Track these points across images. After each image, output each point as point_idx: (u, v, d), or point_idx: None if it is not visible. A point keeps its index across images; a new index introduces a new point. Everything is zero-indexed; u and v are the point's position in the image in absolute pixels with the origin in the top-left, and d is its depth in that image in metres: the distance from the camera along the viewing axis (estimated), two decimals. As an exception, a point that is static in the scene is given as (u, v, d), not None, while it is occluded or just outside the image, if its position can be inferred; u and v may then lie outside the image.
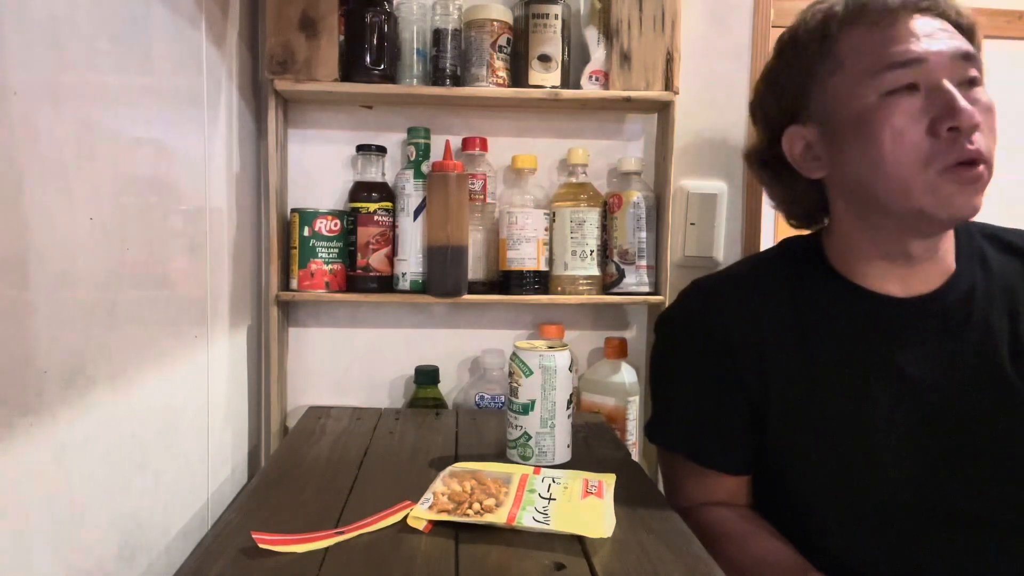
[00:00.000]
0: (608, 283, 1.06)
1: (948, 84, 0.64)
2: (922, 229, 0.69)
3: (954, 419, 0.69)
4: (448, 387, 1.11)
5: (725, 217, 1.13)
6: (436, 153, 1.04)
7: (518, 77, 1.04)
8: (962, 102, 0.63)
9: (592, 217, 1.04)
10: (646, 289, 1.05)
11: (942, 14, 0.68)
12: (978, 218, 0.68)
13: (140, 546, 0.68)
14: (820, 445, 0.72)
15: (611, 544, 0.60)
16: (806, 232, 0.83)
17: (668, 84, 1.02)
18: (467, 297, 1.01)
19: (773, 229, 1.20)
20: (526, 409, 0.77)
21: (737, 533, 0.73)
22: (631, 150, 1.13)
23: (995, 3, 1.37)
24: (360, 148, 1.05)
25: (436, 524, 0.62)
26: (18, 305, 0.49)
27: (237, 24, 0.97)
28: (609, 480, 0.71)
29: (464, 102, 1.05)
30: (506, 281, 1.04)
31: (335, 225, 1.03)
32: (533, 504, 0.65)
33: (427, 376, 1.06)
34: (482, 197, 1.05)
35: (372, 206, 1.03)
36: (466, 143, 1.06)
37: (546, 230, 1.05)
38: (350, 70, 0.99)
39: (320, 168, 1.09)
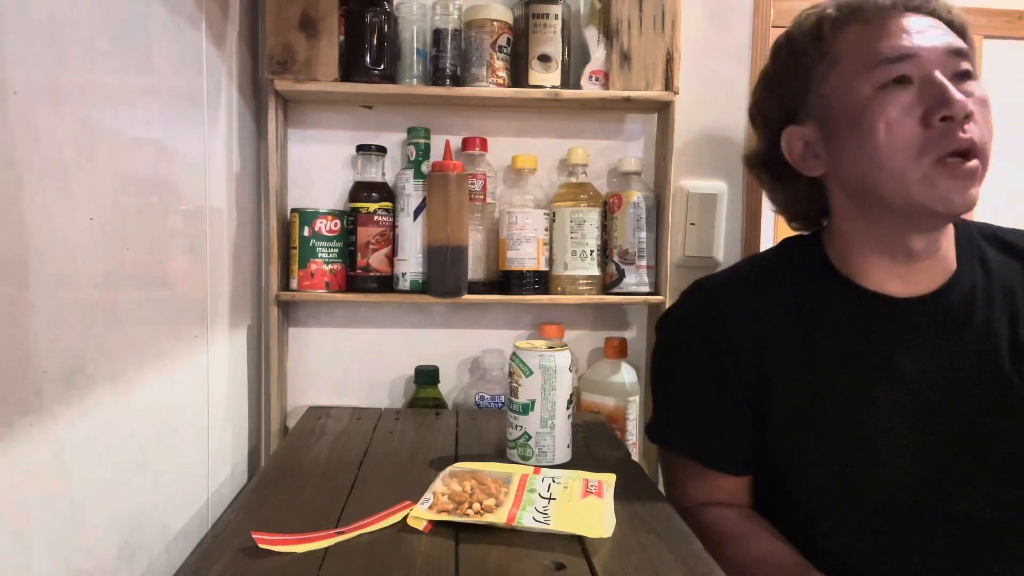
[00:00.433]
0: (608, 283, 1.06)
1: (940, 76, 0.65)
2: (921, 223, 0.69)
3: (954, 419, 0.69)
4: (448, 387, 1.11)
5: (725, 217, 1.13)
6: (436, 153, 1.04)
7: (518, 77, 1.04)
8: (954, 92, 0.64)
9: (592, 217, 1.04)
10: (646, 289, 1.05)
11: (933, 12, 0.69)
12: (979, 218, 0.68)
13: (140, 546, 0.68)
14: (821, 445, 0.72)
15: (611, 544, 0.60)
16: (808, 233, 0.83)
17: (668, 84, 1.02)
18: (467, 297, 1.01)
19: (773, 229, 1.21)
20: (526, 409, 0.77)
21: (738, 533, 0.73)
22: (631, 150, 1.13)
23: (995, 3, 1.37)
24: (360, 148, 1.05)
25: (436, 524, 0.62)
26: (18, 305, 0.49)
27: (237, 24, 0.97)
28: (609, 480, 0.71)
29: (464, 102, 1.05)
30: (506, 281, 1.04)
31: (335, 225, 1.03)
32: (533, 504, 0.65)
33: (427, 376, 1.06)
34: (482, 197, 1.05)
35: (372, 206, 1.03)
36: (466, 143, 1.06)
37: (546, 230, 1.05)
38: (350, 70, 0.99)
39: (320, 168, 1.09)
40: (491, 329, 1.13)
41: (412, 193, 1.03)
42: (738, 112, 1.12)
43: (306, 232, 1.01)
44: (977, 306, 0.72)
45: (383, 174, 1.06)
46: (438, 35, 1.02)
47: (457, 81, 1.02)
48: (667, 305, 1.02)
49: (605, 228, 1.07)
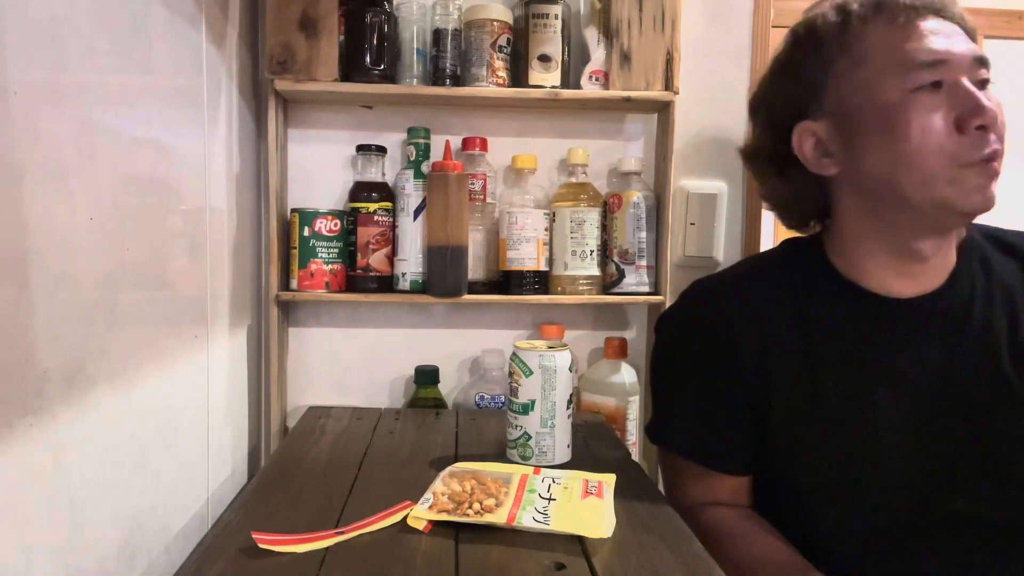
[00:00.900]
0: (608, 283, 1.06)
1: (968, 83, 0.65)
2: (940, 222, 0.69)
3: (954, 419, 0.69)
4: (448, 387, 1.11)
5: (725, 217, 1.13)
6: (436, 153, 1.04)
7: (518, 77, 1.04)
8: (986, 101, 0.64)
9: (592, 217, 1.04)
10: (646, 289, 1.05)
11: (951, 17, 0.69)
12: (980, 218, 0.69)
13: (140, 546, 0.68)
14: (820, 445, 0.72)
15: (611, 544, 0.60)
16: (803, 234, 0.83)
17: (668, 84, 1.02)
18: (467, 297, 1.01)
19: (773, 229, 1.20)
20: (526, 409, 0.77)
21: (738, 533, 0.73)
22: (631, 150, 1.13)
23: (995, 3, 1.37)
24: (360, 148, 1.05)
25: (436, 524, 0.62)
26: (18, 305, 0.49)
27: (237, 24, 0.97)
28: (609, 480, 0.71)
29: (464, 102, 1.05)
30: (506, 281, 1.04)
31: (335, 225, 1.03)
32: (533, 504, 0.65)
33: (427, 376, 1.06)
34: (482, 197, 1.05)
35: (372, 206, 1.03)
36: (466, 143, 1.06)
37: (546, 230, 1.05)
38: (350, 70, 0.99)
39: (320, 168, 1.09)
40: (491, 329, 1.13)
41: (412, 193, 1.03)
42: (738, 112, 1.12)
43: (306, 232, 1.01)
44: (977, 306, 0.72)
45: (383, 174, 1.06)
46: (438, 35, 1.02)
47: (457, 81, 1.02)
48: (667, 305, 1.02)
49: (605, 228, 1.07)
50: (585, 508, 0.65)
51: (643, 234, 1.05)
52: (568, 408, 0.78)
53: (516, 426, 0.78)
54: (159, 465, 0.72)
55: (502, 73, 1.02)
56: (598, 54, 1.04)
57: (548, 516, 0.63)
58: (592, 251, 1.05)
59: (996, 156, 0.65)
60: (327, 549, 0.58)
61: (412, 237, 1.03)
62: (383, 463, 0.79)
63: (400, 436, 0.89)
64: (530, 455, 0.78)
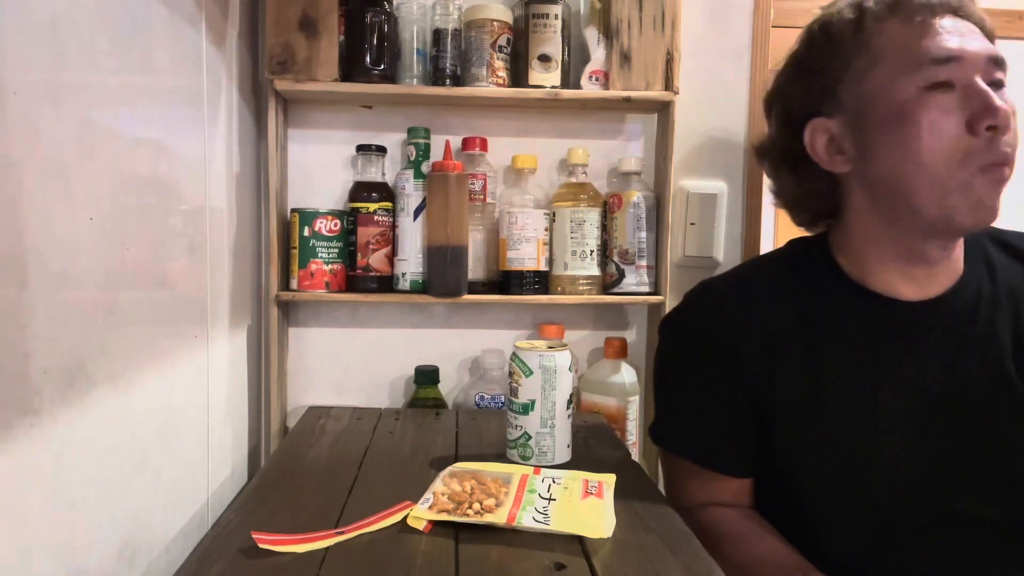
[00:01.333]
0: (608, 283, 1.06)
1: (982, 83, 0.64)
2: (945, 230, 0.69)
3: (958, 421, 0.69)
4: (448, 387, 1.11)
5: (725, 217, 1.13)
6: (436, 153, 1.04)
7: (518, 77, 1.04)
8: (999, 101, 0.64)
9: (592, 217, 1.04)
10: (646, 289, 1.05)
11: (969, 16, 0.68)
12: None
13: (140, 546, 0.68)
14: (823, 446, 0.71)
15: (611, 544, 0.60)
16: (811, 233, 0.83)
17: (668, 84, 1.02)
18: (467, 297, 1.01)
19: (773, 229, 1.21)
20: (526, 409, 0.77)
21: (738, 533, 0.73)
22: (631, 150, 1.13)
23: (995, 3, 1.37)
24: (360, 148, 1.05)
25: (436, 524, 0.62)
26: (18, 305, 0.49)
27: (237, 24, 0.97)
28: (609, 480, 0.71)
29: (464, 102, 1.05)
30: (506, 281, 1.04)
31: (335, 225, 1.03)
32: (533, 504, 0.65)
33: (427, 376, 1.06)
34: (482, 197, 1.05)
35: (372, 206, 1.03)
36: (466, 143, 1.06)
37: (546, 230, 1.05)
38: (350, 70, 0.99)
39: (320, 168, 1.09)
40: (491, 329, 1.13)
41: (412, 193, 1.03)
42: (738, 112, 1.12)
43: (306, 232, 1.01)
44: (982, 309, 0.71)
45: (383, 174, 1.06)
46: (438, 35, 1.02)
47: (457, 81, 1.02)
48: (667, 305, 1.02)
49: (605, 228, 1.07)
50: (585, 508, 0.65)
51: (643, 234, 1.05)
52: (568, 408, 0.78)
53: (516, 426, 0.78)
54: (159, 465, 0.72)
55: (502, 73, 1.02)
56: (598, 54, 1.04)
57: (548, 516, 0.63)
58: (592, 251, 1.05)
59: (1007, 160, 0.64)
60: (327, 549, 0.58)
61: (412, 237, 1.03)
62: (383, 463, 0.79)
63: (400, 436, 0.89)
64: (530, 455, 0.78)
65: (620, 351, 1.07)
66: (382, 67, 0.99)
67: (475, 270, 1.04)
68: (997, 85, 0.66)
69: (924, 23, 0.67)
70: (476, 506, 0.64)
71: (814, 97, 0.73)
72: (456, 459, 0.79)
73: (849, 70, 0.71)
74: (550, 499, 0.66)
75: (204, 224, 0.85)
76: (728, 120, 1.13)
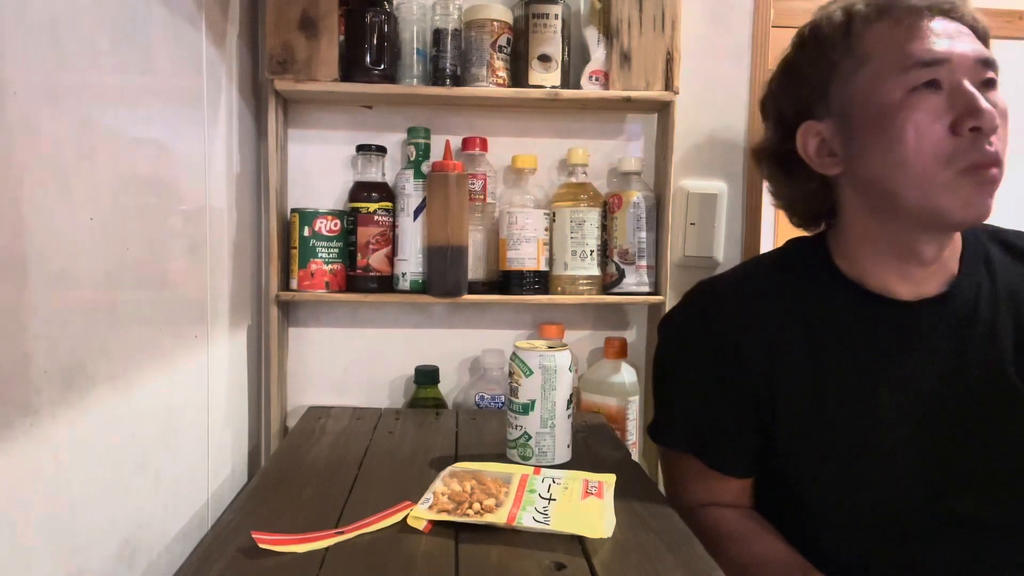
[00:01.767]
0: (608, 283, 1.06)
1: (969, 85, 0.64)
2: (936, 228, 0.69)
3: (958, 421, 0.69)
4: (448, 387, 1.11)
5: (725, 217, 1.13)
6: (436, 153, 1.04)
7: (518, 77, 1.04)
8: (984, 103, 0.63)
9: (592, 217, 1.04)
10: (646, 289, 1.05)
11: (961, 18, 0.68)
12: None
13: (140, 546, 0.68)
14: (824, 446, 0.71)
15: (611, 544, 0.60)
16: (810, 233, 0.83)
17: (668, 84, 1.02)
18: (467, 297, 1.01)
19: (773, 229, 1.21)
20: (526, 409, 0.77)
21: (739, 533, 0.73)
22: (631, 150, 1.13)
23: (995, 3, 1.37)
24: (360, 148, 1.05)
25: (436, 524, 0.62)
26: (18, 305, 0.49)
27: (237, 24, 0.97)
28: (609, 480, 0.71)
29: (464, 102, 1.05)
30: (506, 281, 1.04)
31: (335, 225, 1.03)
32: (533, 504, 0.65)
33: (427, 376, 1.06)
34: (482, 197, 1.05)
35: (372, 206, 1.03)
36: (466, 143, 1.06)
37: (546, 230, 1.05)
38: (350, 70, 0.99)
39: (320, 168, 1.09)
40: (491, 329, 1.13)
41: (412, 193, 1.03)
42: (738, 112, 1.12)
43: (306, 232, 1.01)
44: (982, 309, 0.71)
45: (383, 174, 1.06)
46: (438, 35, 1.02)
47: (457, 81, 1.02)
48: (667, 305, 1.02)
49: (605, 228, 1.07)
50: (585, 508, 0.65)
51: (643, 234, 1.05)
52: (568, 408, 0.78)
53: (516, 426, 0.78)
54: (159, 465, 0.72)
55: (502, 73, 1.02)
56: (598, 54, 1.04)
57: (548, 516, 0.63)
58: (592, 251, 1.05)
59: (993, 161, 0.64)
60: (327, 549, 0.58)
61: (412, 237, 1.03)
62: (383, 463, 0.79)
63: (400, 436, 0.89)
64: (530, 455, 0.78)
65: (620, 351, 1.07)
66: (382, 67, 0.99)
67: (475, 270, 1.04)
68: (988, 85, 0.66)
69: (912, 26, 0.67)
70: (476, 506, 0.64)
71: (805, 100, 0.74)
72: (456, 459, 0.79)
73: (838, 73, 0.71)
74: (550, 499, 0.66)
75: (204, 224, 0.85)
76: (728, 120, 1.13)
